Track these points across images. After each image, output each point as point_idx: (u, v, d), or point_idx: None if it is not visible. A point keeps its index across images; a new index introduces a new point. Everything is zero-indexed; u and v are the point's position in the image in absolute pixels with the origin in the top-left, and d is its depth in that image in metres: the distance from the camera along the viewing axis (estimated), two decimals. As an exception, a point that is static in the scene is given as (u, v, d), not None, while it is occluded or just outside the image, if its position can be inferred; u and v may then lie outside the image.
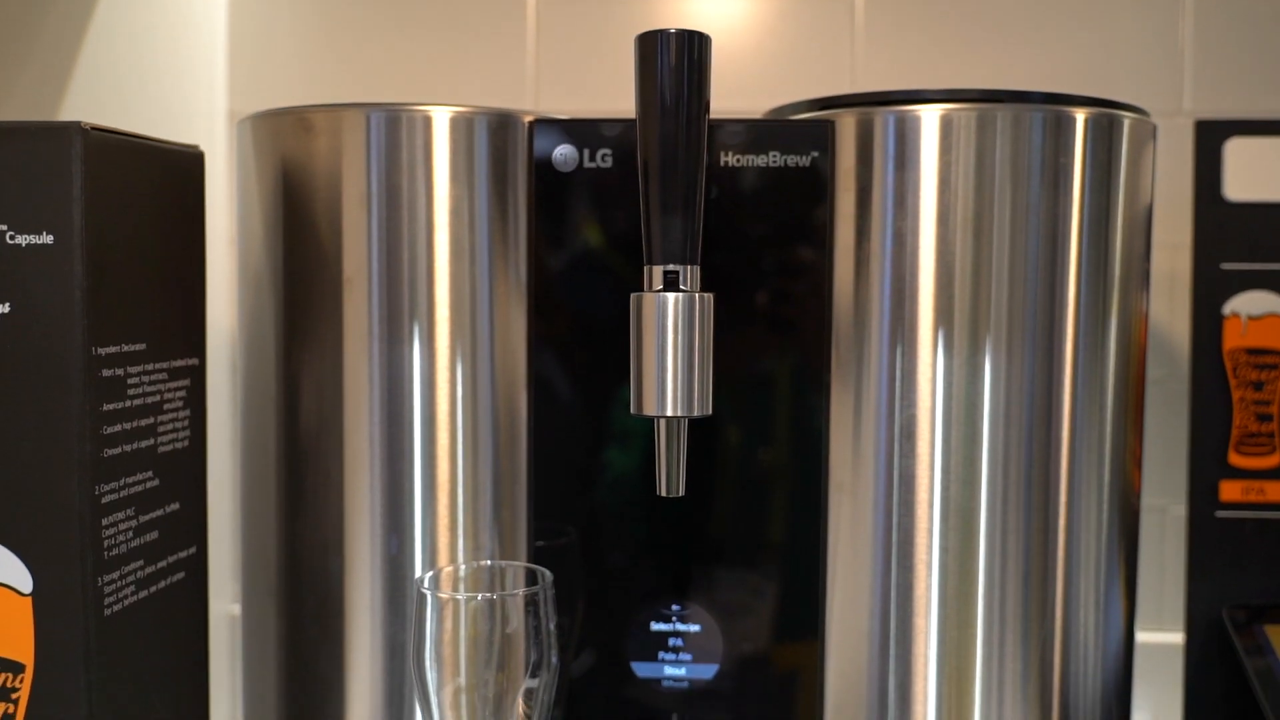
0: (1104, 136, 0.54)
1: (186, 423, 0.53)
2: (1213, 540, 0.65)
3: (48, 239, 0.45)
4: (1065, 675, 0.55)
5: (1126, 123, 0.55)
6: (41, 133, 0.46)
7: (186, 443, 0.53)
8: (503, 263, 0.54)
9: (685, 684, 0.56)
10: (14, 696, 0.47)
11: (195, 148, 0.53)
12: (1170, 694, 0.79)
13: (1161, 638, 0.81)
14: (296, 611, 0.57)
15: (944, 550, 0.53)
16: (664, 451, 0.48)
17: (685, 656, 0.56)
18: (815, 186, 0.53)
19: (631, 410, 0.48)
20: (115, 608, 0.48)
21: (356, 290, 0.54)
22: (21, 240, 0.45)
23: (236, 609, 0.83)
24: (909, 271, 0.52)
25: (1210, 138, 0.65)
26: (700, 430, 0.54)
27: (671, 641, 0.56)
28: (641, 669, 0.57)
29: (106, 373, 0.47)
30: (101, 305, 0.46)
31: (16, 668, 0.47)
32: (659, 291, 0.47)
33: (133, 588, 0.49)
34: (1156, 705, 0.81)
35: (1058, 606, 0.54)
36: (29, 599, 0.47)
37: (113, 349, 0.47)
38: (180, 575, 0.53)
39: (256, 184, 0.57)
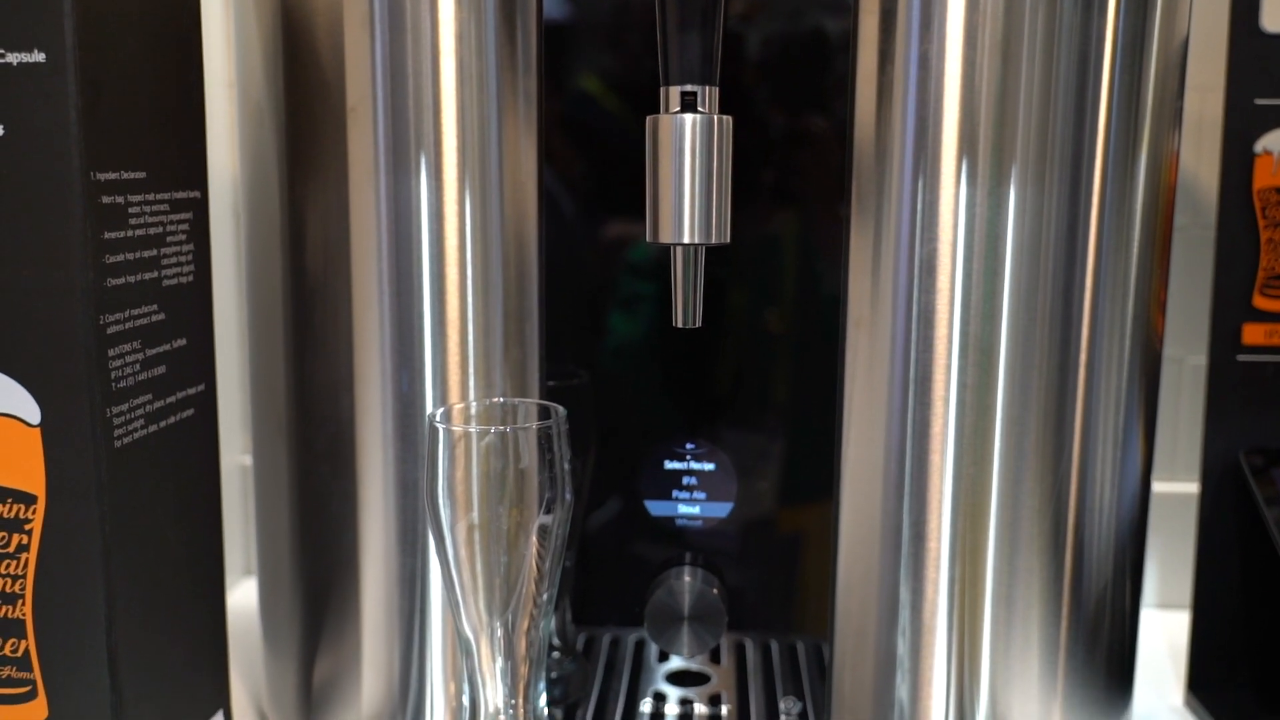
0: (1141, -45, 0.51)
1: (190, 257, 0.52)
2: (1232, 384, 0.64)
3: (39, 57, 0.44)
4: (1080, 515, 0.54)
5: (1165, -58, 0.52)
6: (28, -57, 0.44)
7: (191, 277, 0.52)
8: (511, 90, 0.52)
9: (699, 522, 0.56)
10: (27, 528, 0.47)
11: (189, -31, 0.51)
12: (1180, 543, 0.80)
13: (1174, 488, 0.81)
14: (308, 451, 0.56)
15: (962, 386, 0.52)
16: (680, 281, 0.47)
17: (699, 495, 0.56)
18: (837, 9, 0.51)
19: (647, 238, 0.47)
20: (125, 440, 0.48)
21: (361, 120, 0.52)
22: (12, 59, 0.44)
23: (247, 460, 0.83)
24: (933, 98, 0.50)
25: (1249, -35, 0.62)
26: (714, 264, 0.52)
27: (685, 480, 0.56)
28: (655, 507, 0.56)
29: (106, 200, 0.46)
30: (98, 128, 0.45)
31: (28, 499, 0.47)
32: (676, 113, 0.45)
33: (142, 421, 0.49)
34: (1165, 553, 0.81)
35: (1075, 445, 0.53)
36: (37, 430, 0.46)
37: (111, 175, 0.46)
38: (190, 412, 0.53)
39: (254, 9, 0.55)
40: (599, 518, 0.57)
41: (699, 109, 0.45)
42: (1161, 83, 0.54)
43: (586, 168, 0.54)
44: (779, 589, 0.58)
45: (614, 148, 0.53)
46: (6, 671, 0.47)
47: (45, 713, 0.48)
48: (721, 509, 0.56)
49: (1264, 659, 0.67)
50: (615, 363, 0.55)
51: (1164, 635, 0.78)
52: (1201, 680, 0.67)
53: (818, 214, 0.53)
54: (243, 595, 0.81)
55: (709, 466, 0.56)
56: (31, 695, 0.48)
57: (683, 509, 0.56)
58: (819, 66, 0.52)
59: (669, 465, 0.56)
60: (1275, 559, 0.63)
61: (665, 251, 0.48)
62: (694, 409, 0.56)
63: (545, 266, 0.53)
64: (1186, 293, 0.78)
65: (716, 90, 0.46)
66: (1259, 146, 0.63)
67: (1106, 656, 0.57)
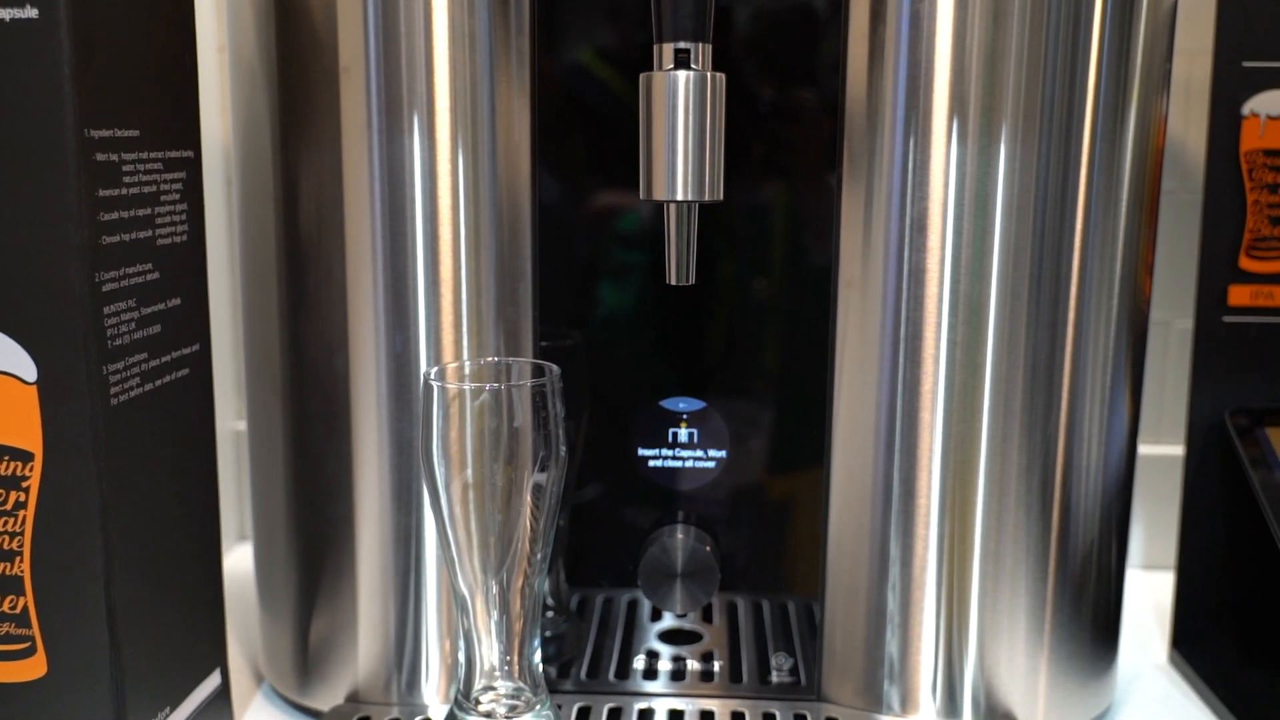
0: (1131, -85, 0.51)
1: (184, 217, 0.52)
2: (1218, 345, 0.64)
3: (32, 13, 0.43)
4: (1067, 473, 0.55)
5: (1155, -98, 0.52)
6: (19, -102, 0.43)
7: (185, 237, 0.52)
8: (504, 49, 0.52)
9: (691, 478, 0.57)
10: (24, 485, 0.47)
11: (180, -74, 0.51)
12: (1164, 504, 0.81)
13: (1160, 450, 0.82)
14: (303, 411, 0.57)
15: (952, 344, 0.53)
16: (674, 238, 0.48)
17: (692, 452, 0.57)
18: (829, -30, 0.51)
19: (641, 196, 0.47)
20: (121, 398, 0.48)
21: (354, 80, 0.52)
22: (5, 14, 0.43)
23: (240, 425, 0.83)
24: (925, 57, 0.50)
25: (1238, -74, 0.62)
26: (706, 224, 0.53)
27: (678, 436, 0.56)
28: (648, 464, 0.57)
29: (100, 157, 0.46)
30: (91, 86, 0.45)
31: (25, 456, 0.47)
32: (669, 70, 0.45)
33: (138, 379, 0.49)
34: (1150, 514, 0.82)
35: (1063, 402, 0.54)
36: (34, 387, 0.46)
37: (105, 133, 0.46)
38: (185, 372, 0.53)
39: (246, -31, 0.55)
40: (591, 476, 0.58)
41: (692, 66, 0.45)
42: (1151, 45, 0.54)
43: (582, 122, 0.54)
44: (770, 549, 0.58)
45: (610, 102, 0.53)
46: (5, 628, 0.48)
47: (44, 669, 0.48)
48: (713, 464, 0.57)
49: (1247, 618, 0.68)
50: (609, 321, 0.56)
51: (1149, 595, 0.79)
52: (1185, 638, 0.68)
53: (807, 177, 0.53)
54: (237, 559, 0.81)
55: (701, 423, 0.56)
56: (30, 652, 0.48)
57: (675, 465, 0.57)
58: (811, 31, 0.52)
59: (661, 423, 0.56)
60: (1259, 519, 0.64)
61: (659, 213, 0.48)
62: (687, 366, 0.56)
63: (539, 225, 0.54)
64: (1174, 256, 0.78)
65: (709, 47, 0.46)
66: (1246, 109, 0.63)
67: (1092, 613, 0.57)
